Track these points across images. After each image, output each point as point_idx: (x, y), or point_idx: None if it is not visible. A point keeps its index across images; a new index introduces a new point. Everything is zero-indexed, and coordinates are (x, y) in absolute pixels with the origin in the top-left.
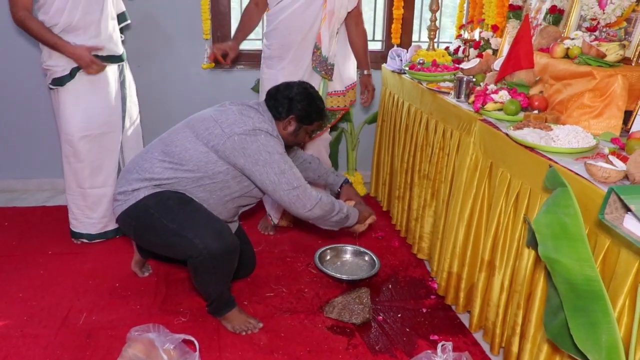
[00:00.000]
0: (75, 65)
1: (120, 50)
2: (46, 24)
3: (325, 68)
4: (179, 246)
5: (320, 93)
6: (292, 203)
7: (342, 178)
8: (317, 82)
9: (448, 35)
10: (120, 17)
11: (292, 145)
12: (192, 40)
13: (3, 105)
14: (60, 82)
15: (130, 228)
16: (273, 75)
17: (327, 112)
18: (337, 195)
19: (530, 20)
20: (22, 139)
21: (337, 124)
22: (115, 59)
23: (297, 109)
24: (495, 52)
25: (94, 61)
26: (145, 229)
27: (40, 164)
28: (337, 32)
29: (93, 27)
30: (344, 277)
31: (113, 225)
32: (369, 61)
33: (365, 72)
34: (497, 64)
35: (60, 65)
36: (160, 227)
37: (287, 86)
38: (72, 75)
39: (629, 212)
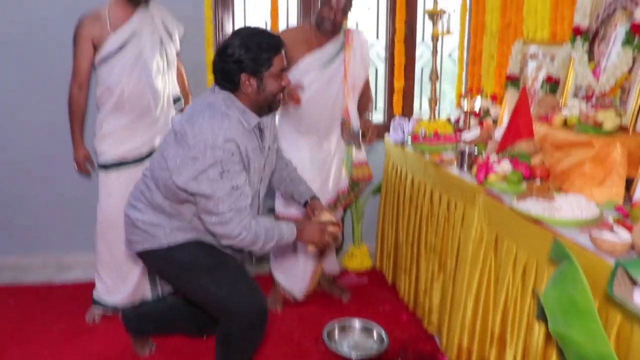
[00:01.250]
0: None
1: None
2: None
3: (357, 140)
4: (214, 308)
5: (346, 165)
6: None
7: (312, 192)
8: (342, 154)
9: (448, 100)
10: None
11: (270, 102)
12: None
13: (7, 180)
14: (104, 167)
15: (157, 269)
16: (295, 152)
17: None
18: (304, 206)
19: (527, 88)
20: (27, 214)
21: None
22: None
23: (240, 62)
24: (495, 121)
25: (83, 168)
26: (178, 281)
27: (46, 240)
28: None
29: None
30: (353, 356)
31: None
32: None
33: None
34: (497, 133)
35: (107, 152)
36: (197, 286)
37: (223, 48)
38: (118, 165)
39: (637, 286)
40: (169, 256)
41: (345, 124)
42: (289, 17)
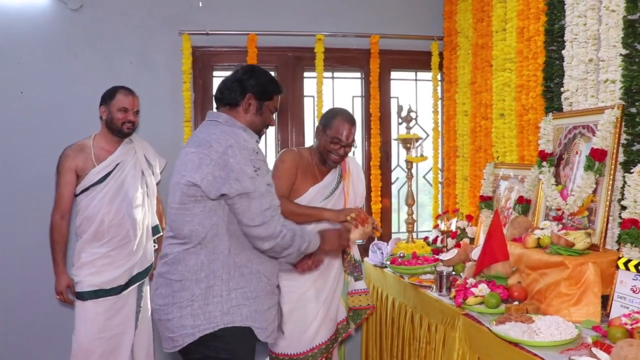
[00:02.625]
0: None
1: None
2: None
3: (359, 270)
4: None
5: (343, 295)
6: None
7: None
8: (342, 284)
9: (427, 211)
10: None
11: (261, 129)
12: None
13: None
14: (81, 296)
15: None
16: (296, 289)
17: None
18: None
19: (501, 208)
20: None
21: None
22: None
23: (251, 85)
24: (472, 240)
25: (65, 298)
26: None
27: None
28: None
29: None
30: None
31: None
32: None
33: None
34: (475, 253)
35: (84, 282)
36: None
37: (233, 73)
38: (96, 293)
39: None
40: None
41: (347, 256)
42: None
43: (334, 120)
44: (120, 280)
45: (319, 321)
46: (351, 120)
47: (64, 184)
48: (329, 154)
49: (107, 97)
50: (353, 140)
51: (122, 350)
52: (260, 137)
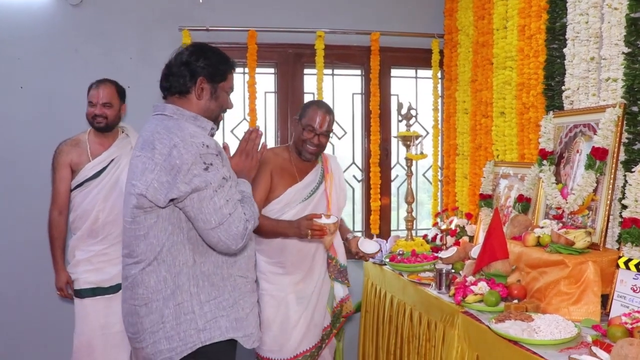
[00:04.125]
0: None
1: None
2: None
3: (344, 275)
4: None
5: (329, 302)
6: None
7: None
8: (327, 289)
9: (426, 209)
10: None
11: (218, 114)
12: None
13: None
14: (79, 294)
15: None
16: (277, 292)
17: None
18: None
19: (500, 206)
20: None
21: None
22: None
23: (201, 67)
24: (471, 238)
25: (65, 294)
26: None
27: None
28: None
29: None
30: None
31: None
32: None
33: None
34: (474, 252)
35: (81, 279)
36: None
37: (175, 56)
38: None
39: None
40: None
41: (332, 260)
42: (267, 116)
43: (308, 109)
44: (118, 278)
45: (303, 327)
46: (326, 109)
47: (59, 180)
48: (303, 144)
49: (87, 92)
50: (328, 130)
51: (124, 347)
52: (217, 123)
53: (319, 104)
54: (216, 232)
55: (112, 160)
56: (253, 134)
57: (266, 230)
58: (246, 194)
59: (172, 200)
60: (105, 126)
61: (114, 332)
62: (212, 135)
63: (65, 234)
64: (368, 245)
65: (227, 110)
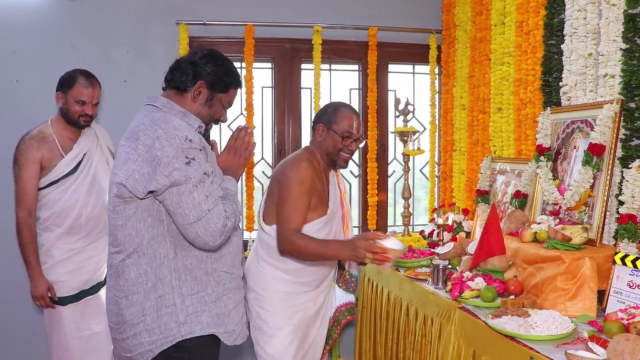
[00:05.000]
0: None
1: None
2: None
3: (353, 285)
4: None
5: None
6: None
7: None
8: (330, 296)
9: (423, 205)
10: None
11: (208, 122)
12: None
13: None
14: (61, 301)
15: None
16: (297, 307)
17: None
18: None
19: (497, 202)
20: None
21: None
22: None
23: (206, 72)
24: (468, 234)
25: (46, 302)
26: None
27: None
28: None
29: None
30: None
31: None
32: None
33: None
34: (471, 247)
35: (65, 283)
36: None
37: (188, 53)
38: (77, 297)
39: None
40: None
41: (343, 271)
42: (264, 111)
43: (339, 114)
44: (100, 277)
45: (319, 338)
46: (354, 109)
47: (28, 178)
48: (339, 154)
49: (65, 84)
50: (363, 132)
51: (103, 350)
52: (207, 130)
53: (347, 107)
54: (194, 227)
55: (85, 154)
56: (242, 132)
57: (311, 252)
58: (230, 191)
59: (151, 192)
60: (87, 125)
61: (92, 333)
62: (201, 133)
63: (36, 236)
64: (392, 243)
65: (219, 122)
